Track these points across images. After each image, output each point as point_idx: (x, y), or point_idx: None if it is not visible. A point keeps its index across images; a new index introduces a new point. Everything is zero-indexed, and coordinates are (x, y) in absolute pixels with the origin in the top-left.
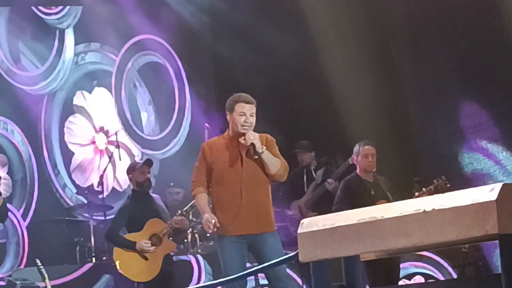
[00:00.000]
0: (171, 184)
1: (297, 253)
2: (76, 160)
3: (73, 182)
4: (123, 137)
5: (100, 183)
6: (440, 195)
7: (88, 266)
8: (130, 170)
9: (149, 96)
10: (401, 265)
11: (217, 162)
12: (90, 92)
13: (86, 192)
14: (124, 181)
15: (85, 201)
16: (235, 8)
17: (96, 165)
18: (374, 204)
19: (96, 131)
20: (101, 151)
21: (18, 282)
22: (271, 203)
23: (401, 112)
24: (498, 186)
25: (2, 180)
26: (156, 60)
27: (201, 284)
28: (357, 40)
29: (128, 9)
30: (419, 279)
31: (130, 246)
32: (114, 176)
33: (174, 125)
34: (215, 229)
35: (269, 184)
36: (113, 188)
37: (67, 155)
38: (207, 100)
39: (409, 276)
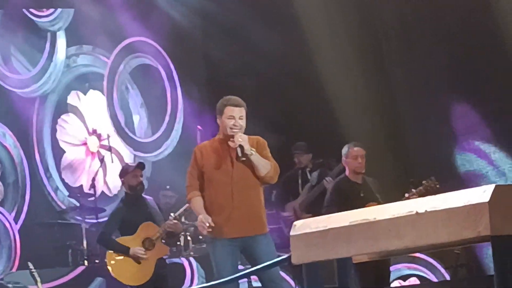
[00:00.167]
0: (167, 187)
1: (290, 255)
2: (66, 158)
3: (64, 184)
4: (115, 140)
5: (92, 185)
6: (433, 196)
7: (80, 269)
8: (123, 174)
9: (141, 99)
10: (394, 267)
11: (208, 165)
12: (85, 94)
13: (78, 195)
14: (114, 187)
15: (77, 204)
16: (226, 9)
17: (87, 166)
18: (364, 206)
19: (89, 133)
20: (92, 153)
21: (10, 286)
22: (263, 205)
23: (394, 113)
24: (490, 188)
25: None
26: (148, 62)
27: (194, 287)
28: (349, 41)
29: (119, 12)
30: (414, 281)
31: (124, 251)
32: (104, 181)
33: (166, 127)
34: (210, 229)
35: (261, 186)
36: (102, 192)
37: (59, 157)
38: (199, 102)
39: (404, 278)
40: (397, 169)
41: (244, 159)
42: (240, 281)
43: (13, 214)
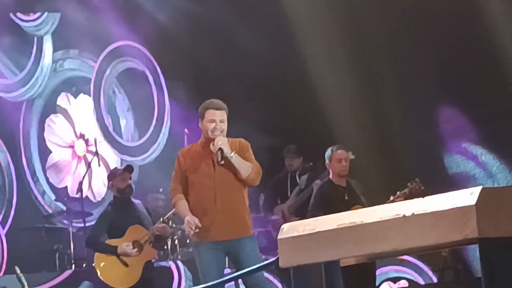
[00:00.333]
0: (160, 190)
1: (277, 259)
2: (52, 158)
3: (50, 185)
4: (102, 144)
5: (79, 189)
6: (420, 199)
7: (67, 273)
8: (111, 177)
9: (128, 103)
10: (382, 270)
11: (191, 169)
12: (75, 97)
13: (65, 199)
14: (98, 194)
15: (64, 208)
16: (215, 13)
17: (72, 168)
18: (349, 209)
19: (77, 137)
20: (78, 157)
21: None
22: (247, 208)
23: (382, 116)
24: (477, 190)
25: None
26: (135, 66)
27: None
28: (339, 45)
29: (106, 15)
30: (403, 284)
31: (112, 250)
32: (89, 186)
33: (153, 131)
34: (197, 230)
35: (244, 188)
36: (86, 197)
37: (46, 161)
38: (186, 106)
39: (392, 280)
40: (388, 172)
41: (222, 162)
42: (226, 284)
43: (0, 218)
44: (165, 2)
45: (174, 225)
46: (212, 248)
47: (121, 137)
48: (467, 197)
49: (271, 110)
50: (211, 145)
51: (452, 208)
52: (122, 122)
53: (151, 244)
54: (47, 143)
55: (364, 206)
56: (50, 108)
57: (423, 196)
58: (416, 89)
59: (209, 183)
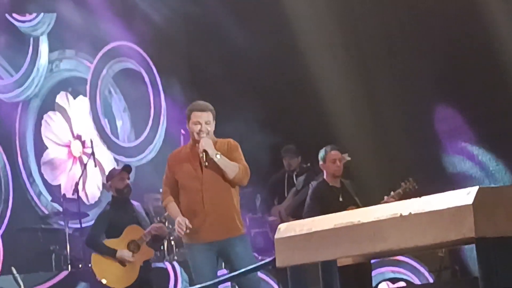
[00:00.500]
0: (160, 190)
1: (273, 259)
2: (48, 155)
3: (45, 184)
4: (98, 145)
5: (75, 190)
6: (417, 198)
7: (64, 274)
8: (109, 177)
9: (124, 103)
10: (378, 270)
11: (180, 172)
12: (74, 98)
13: (62, 200)
14: (92, 197)
15: (60, 209)
16: (210, 12)
17: (67, 168)
18: (344, 210)
19: (73, 137)
20: (74, 157)
21: None
22: (236, 207)
23: (381, 115)
24: (474, 190)
25: None
26: (131, 66)
27: None
28: (336, 45)
29: (102, 16)
30: (402, 285)
31: (111, 253)
32: (83, 188)
33: (150, 131)
34: (187, 231)
35: (233, 188)
36: (79, 198)
37: (41, 155)
38: (182, 106)
39: (390, 281)
40: (385, 172)
41: (207, 164)
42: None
43: None
44: (161, 2)
45: (170, 226)
46: (204, 249)
47: (117, 137)
48: (464, 196)
49: (268, 110)
50: (196, 147)
51: (449, 208)
52: (118, 123)
53: (147, 245)
54: (44, 139)
55: (358, 207)
56: (47, 108)
57: (418, 195)
58: (414, 88)
59: (197, 185)
